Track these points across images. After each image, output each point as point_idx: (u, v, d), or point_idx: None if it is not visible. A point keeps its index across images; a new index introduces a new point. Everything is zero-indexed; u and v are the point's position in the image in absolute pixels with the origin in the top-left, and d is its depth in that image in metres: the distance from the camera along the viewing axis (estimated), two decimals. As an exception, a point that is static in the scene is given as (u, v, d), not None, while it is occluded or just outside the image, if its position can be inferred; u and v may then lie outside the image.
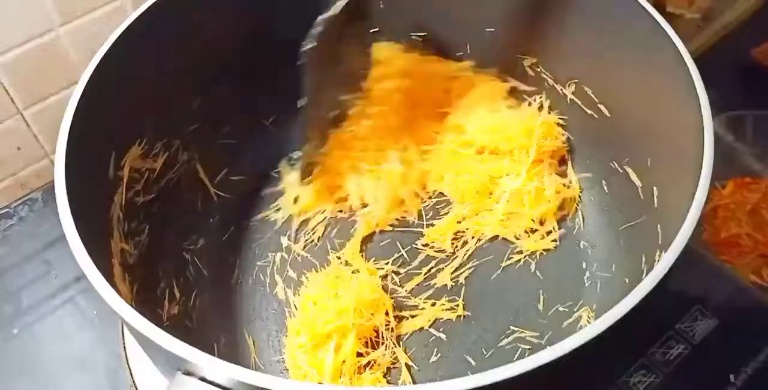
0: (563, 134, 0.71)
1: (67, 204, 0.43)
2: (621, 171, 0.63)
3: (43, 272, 0.69)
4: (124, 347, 0.62)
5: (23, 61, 0.67)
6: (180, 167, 0.66)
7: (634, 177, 0.61)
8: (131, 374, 0.60)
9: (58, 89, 0.72)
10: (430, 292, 0.65)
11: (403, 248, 0.68)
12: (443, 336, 0.62)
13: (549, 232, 0.68)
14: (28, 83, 0.69)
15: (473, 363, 0.60)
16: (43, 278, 0.69)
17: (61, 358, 0.63)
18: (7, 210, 0.73)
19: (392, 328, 0.62)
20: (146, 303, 0.58)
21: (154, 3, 0.58)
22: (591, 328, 0.37)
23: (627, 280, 0.59)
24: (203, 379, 0.37)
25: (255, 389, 0.35)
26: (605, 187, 0.68)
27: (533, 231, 0.68)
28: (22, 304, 0.67)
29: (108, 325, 0.65)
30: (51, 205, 0.74)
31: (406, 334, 0.62)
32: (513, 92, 0.74)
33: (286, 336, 0.62)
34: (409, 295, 0.65)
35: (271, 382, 0.34)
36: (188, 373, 0.37)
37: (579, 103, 0.68)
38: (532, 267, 0.66)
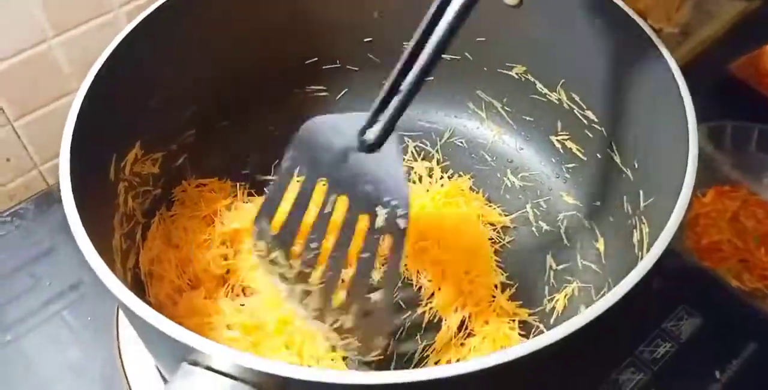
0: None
1: (72, 197, 0.44)
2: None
3: (32, 284, 0.68)
4: (120, 355, 0.62)
5: (15, 72, 0.67)
6: (176, 171, 0.68)
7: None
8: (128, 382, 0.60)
9: (49, 101, 0.72)
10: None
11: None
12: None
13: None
14: (20, 94, 0.69)
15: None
16: (33, 290, 0.68)
17: (55, 368, 0.63)
18: (-5, 221, 0.73)
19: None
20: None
21: (146, 16, 0.58)
22: (564, 326, 0.38)
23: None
24: (209, 368, 0.36)
25: (263, 376, 0.35)
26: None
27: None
28: (9, 317, 0.66)
29: (99, 336, 0.64)
30: (40, 217, 0.74)
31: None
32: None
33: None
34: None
35: (279, 368, 0.34)
36: (194, 363, 0.37)
37: (569, 107, 0.68)
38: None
